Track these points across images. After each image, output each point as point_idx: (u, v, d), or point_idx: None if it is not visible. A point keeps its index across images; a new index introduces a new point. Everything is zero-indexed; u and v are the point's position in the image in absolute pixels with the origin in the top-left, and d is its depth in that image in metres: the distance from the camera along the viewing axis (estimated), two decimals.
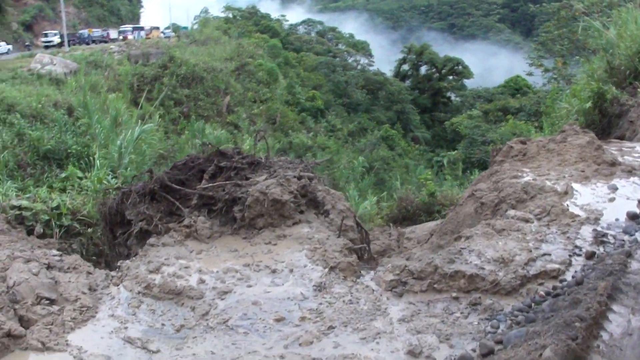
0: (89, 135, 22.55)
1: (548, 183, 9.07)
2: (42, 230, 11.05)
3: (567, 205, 8.17)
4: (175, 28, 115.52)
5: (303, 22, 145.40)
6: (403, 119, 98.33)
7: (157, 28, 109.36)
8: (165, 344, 6.09)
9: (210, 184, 9.54)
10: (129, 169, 16.69)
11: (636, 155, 10.54)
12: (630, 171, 9.39)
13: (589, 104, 14.22)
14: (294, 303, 6.70)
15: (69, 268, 7.62)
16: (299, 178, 9.60)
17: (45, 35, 78.45)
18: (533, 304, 5.98)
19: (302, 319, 6.35)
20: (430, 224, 15.62)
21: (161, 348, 6.02)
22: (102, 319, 6.63)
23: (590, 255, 6.72)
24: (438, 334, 5.85)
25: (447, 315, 6.20)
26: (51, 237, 11.07)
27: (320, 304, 6.65)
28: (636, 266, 6.02)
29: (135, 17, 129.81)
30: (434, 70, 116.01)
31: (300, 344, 5.91)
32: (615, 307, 5.30)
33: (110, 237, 10.33)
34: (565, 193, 8.62)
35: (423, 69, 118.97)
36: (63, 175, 16.46)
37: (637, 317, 5.16)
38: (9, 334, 5.94)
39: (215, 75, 61.28)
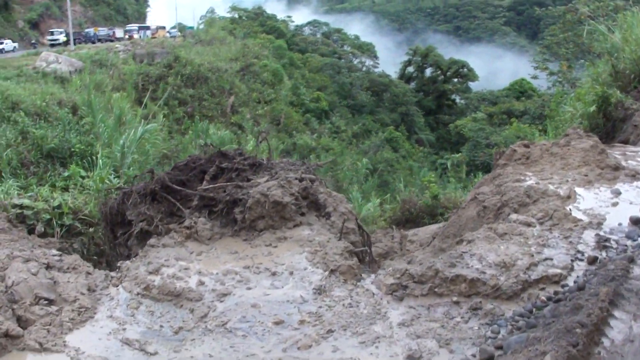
0: (92, 134, 22.52)
1: (551, 187, 9.03)
2: (43, 230, 11.05)
3: (570, 209, 8.13)
4: (181, 28, 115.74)
5: (309, 23, 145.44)
6: (407, 121, 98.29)
7: (163, 27, 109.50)
8: (163, 346, 6.06)
9: (211, 185, 9.50)
10: (131, 168, 16.68)
11: None
12: (634, 175, 9.35)
13: (593, 108, 14.17)
14: (293, 306, 6.66)
15: (68, 268, 7.59)
16: (301, 180, 9.56)
17: (51, 33, 78.52)
18: (534, 309, 5.95)
19: (301, 322, 6.31)
20: (433, 227, 15.56)
21: (159, 350, 5.99)
22: (101, 320, 6.60)
23: (592, 260, 6.68)
24: (438, 338, 5.81)
25: (448, 319, 6.16)
26: (52, 236, 11.07)
27: (320, 307, 6.61)
28: (638, 272, 5.98)
29: (141, 17, 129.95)
30: (439, 72, 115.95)
31: (298, 348, 5.87)
32: (616, 313, 5.26)
33: (110, 237, 10.30)
34: (568, 197, 8.58)
35: (428, 71, 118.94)
36: (66, 174, 16.44)
37: (638, 323, 5.12)
38: (6, 334, 5.91)
39: (220, 75, 61.28)
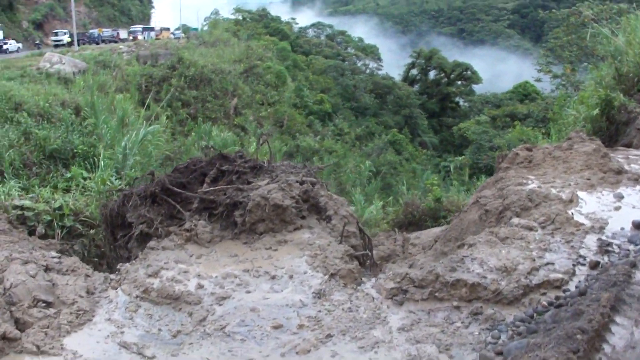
0: (95, 136, 22.50)
1: (553, 191, 8.98)
2: (43, 231, 11.01)
3: (572, 213, 8.08)
4: (185, 29, 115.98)
5: (313, 25, 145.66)
6: (411, 123, 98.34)
7: (168, 29, 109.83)
8: (161, 350, 6.02)
9: (211, 188, 9.47)
10: (133, 170, 16.65)
11: None
12: (637, 179, 9.31)
13: (596, 111, 14.12)
14: (292, 310, 6.63)
15: (67, 270, 7.57)
16: (302, 183, 9.53)
17: (55, 34, 78.64)
18: (535, 314, 5.90)
19: (300, 326, 6.27)
20: (436, 230, 15.53)
21: (157, 354, 5.96)
22: (99, 322, 6.57)
23: (594, 265, 6.63)
24: (438, 344, 5.77)
25: (448, 324, 6.12)
26: (53, 237, 11.03)
27: (319, 311, 6.57)
28: None
29: (145, 18, 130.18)
30: (442, 75, 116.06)
31: (297, 352, 5.84)
32: (618, 319, 5.22)
33: (111, 240, 10.28)
34: (571, 201, 8.53)
35: (432, 74, 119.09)
36: (68, 175, 16.42)
37: None
38: (3, 337, 5.90)
39: (224, 77, 61.26)
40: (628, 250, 6.89)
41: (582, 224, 7.70)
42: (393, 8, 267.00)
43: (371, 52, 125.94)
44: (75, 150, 20.85)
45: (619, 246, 7.05)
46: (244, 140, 38.63)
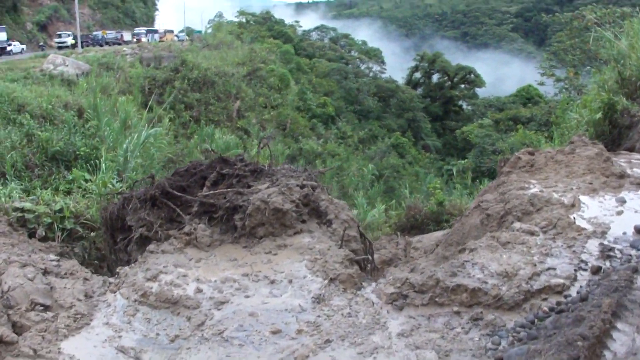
0: (97, 138, 22.51)
1: (555, 195, 8.93)
2: (44, 233, 10.99)
3: (574, 218, 8.03)
4: (189, 32, 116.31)
5: (316, 28, 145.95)
6: (414, 126, 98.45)
7: (171, 31, 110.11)
8: (158, 355, 5.99)
9: (211, 192, 9.44)
10: (135, 172, 16.63)
11: None
12: (639, 183, 9.24)
13: (599, 115, 14.07)
14: (291, 315, 6.58)
15: (65, 274, 7.54)
16: (302, 187, 9.49)
17: (59, 36, 78.80)
18: (536, 320, 5.85)
19: (299, 331, 6.23)
20: (438, 234, 15.49)
21: (154, 358, 5.93)
22: (97, 326, 6.54)
23: (596, 270, 6.58)
24: (437, 349, 5.72)
25: (448, 330, 6.07)
26: (53, 240, 11.00)
27: (318, 316, 6.52)
28: None
29: (149, 20, 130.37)
30: (446, 78, 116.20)
31: (295, 358, 5.79)
32: (619, 325, 5.18)
33: (111, 243, 10.25)
34: (572, 205, 8.48)
35: (435, 77, 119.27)
36: (70, 177, 16.41)
37: None
38: (0, 340, 5.86)
39: (227, 79, 61.27)
40: (630, 255, 6.84)
41: (584, 229, 7.65)
42: (397, 11, 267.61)
43: (374, 55, 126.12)
44: (77, 152, 20.86)
45: (620, 251, 7.00)
46: (246, 143, 38.62)
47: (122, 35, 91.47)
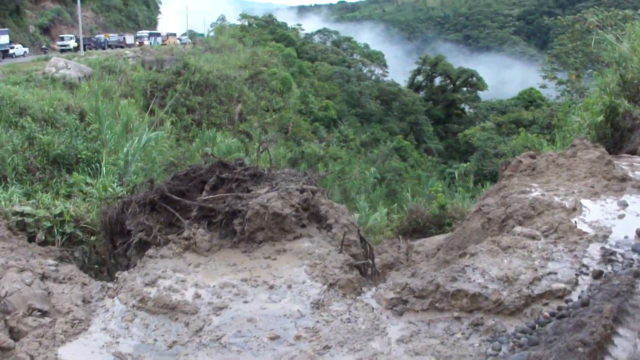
0: (99, 141, 22.52)
1: (556, 199, 8.88)
2: (43, 238, 10.95)
3: (575, 222, 7.97)
4: (192, 35, 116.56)
5: (319, 31, 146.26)
6: (416, 130, 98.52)
7: (174, 34, 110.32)
8: None
9: (210, 196, 9.39)
10: (136, 176, 16.62)
11: None
12: None
13: (601, 118, 14.03)
14: (290, 321, 6.52)
15: (64, 279, 7.50)
16: (302, 191, 9.43)
17: (62, 39, 79.00)
18: (537, 325, 5.79)
19: (298, 337, 6.17)
20: (440, 237, 15.44)
21: None
22: (94, 332, 6.49)
23: (597, 275, 6.52)
24: (437, 355, 5.66)
25: (448, 336, 6.01)
26: (53, 244, 10.97)
27: (317, 322, 6.46)
28: None
29: (152, 23, 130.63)
30: (448, 81, 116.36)
31: None
32: (621, 330, 5.12)
33: (110, 247, 10.21)
34: (574, 209, 8.43)
35: (437, 80, 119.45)
36: (71, 181, 16.40)
37: None
38: None
39: (229, 83, 61.37)
40: (632, 259, 6.79)
41: (586, 233, 7.60)
42: (399, 15, 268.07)
43: (377, 58, 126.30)
44: (79, 156, 20.90)
45: (622, 255, 6.94)
46: (248, 146, 38.63)
47: (124, 38, 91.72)
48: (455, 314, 6.32)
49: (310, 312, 6.70)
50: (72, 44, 75.79)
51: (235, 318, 6.61)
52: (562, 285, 6.36)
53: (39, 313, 6.57)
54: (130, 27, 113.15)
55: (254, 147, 33.96)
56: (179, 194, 9.53)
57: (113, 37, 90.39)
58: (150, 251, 8.48)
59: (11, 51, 67.01)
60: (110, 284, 7.71)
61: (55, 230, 11.30)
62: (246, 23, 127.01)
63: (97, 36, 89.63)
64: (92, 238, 11.79)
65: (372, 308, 6.74)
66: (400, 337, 6.06)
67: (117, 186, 14.17)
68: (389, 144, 79.09)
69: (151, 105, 36.80)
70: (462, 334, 6.01)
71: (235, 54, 78.36)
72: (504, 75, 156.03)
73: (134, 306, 6.95)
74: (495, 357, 5.43)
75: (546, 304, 6.16)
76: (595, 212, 8.40)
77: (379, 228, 20.89)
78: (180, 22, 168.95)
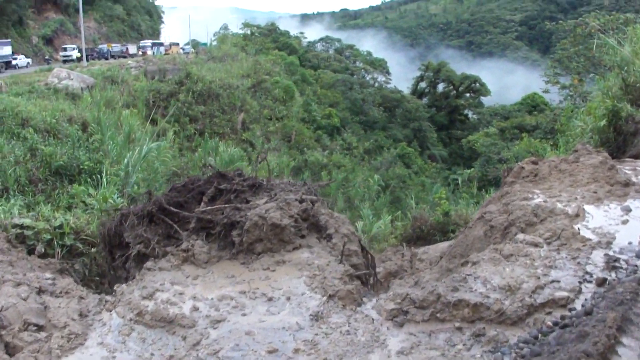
0: (101, 152, 22.49)
1: (559, 205, 8.79)
2: (43, 250, 10.86)
3: (578, 228, 7.89)
4: (195, 44, 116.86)
5: (321, 39, 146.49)
6: (420, 136, 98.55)
7: (177, 44, 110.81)
8: None
9: (208, 207, 9.30)
10: (138, 187, 16.54)
11: None
12: None
13: (603, 122, 13.95)
14: (288, 333, 6.42)
15: (61, 292, 7.42)
16: (301, 201, 9.34)
17: (64, 49, 79.24)
18: (540, 335, 5.69)
19: (296, 350, 6.06)
20: (443, 245, 15.39)
21: None
22: (91, 347, 6.40)
23: (601, 282, 6.43)
24: None
25: (449, 347, 5.91)
26: (53, 256, 10.89)
27: (316, 334, 6.36)
28: None
29: (155, 33, 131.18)
30: (451, 87, 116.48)
31: None
32: (625, 340, 5.02)
33: (109, 259, 10.13)
34: (577, 215, 8.34)
35: (440, 87, 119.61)
36: (72, 192, 16.35)
37: None
38: None
39: (232, 92, 61.39)
40: (636, 266, 6.71)
41: (589, 239, 7.51)
42: (402, 21, 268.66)
43: (380, 65, 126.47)
44: (81, 167, 20.88)
45: (626, 262, 6.86)
46: (251, 155, 38.60)
47: (127, 48, 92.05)
48: (457, 325, 6.22)
49: (309, 324, 6.60)
50: (75, 54, 76.07)
51: (233, 331, 6.51)
52: (565, 294, 6.27)
53: (35, 328, 6.50)
54: (133, 37, 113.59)
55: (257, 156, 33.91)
56: (177, 206, 9.44)
57: (116, 47, 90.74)
58: (149, 263, 8.39)
59: (14, 62, 67.27)
60: (108, 297, 7.62)
61: (55, 243, 11.21)
62: (249, 32, 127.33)
63: (99, 46, 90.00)
64: (93, 250, 11.70)
65: (372, 319, 6.64)
66: (401, 349, 5.96)
67: (117, 197, 14.10)
68: (393, 151, 79.04)
69: (152, 115, 36.80)
70: (464, 345, 5.91)
71: (237, 63, 78.48)
72: (507, 81, 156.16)
73: (131, 320, 6.86)
74: None
75: (549, 313, 6.07)
76: (599, 218, 8.32)
77: (383, 236, 20.81)
78: (183, 31, 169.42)
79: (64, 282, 7.78)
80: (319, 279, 7.56)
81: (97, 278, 11.23)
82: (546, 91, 50.59)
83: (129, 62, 71.00)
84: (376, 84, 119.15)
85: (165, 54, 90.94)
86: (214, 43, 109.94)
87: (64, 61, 72.82)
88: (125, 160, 17.20)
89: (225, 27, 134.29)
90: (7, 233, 10.64)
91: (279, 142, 58.84)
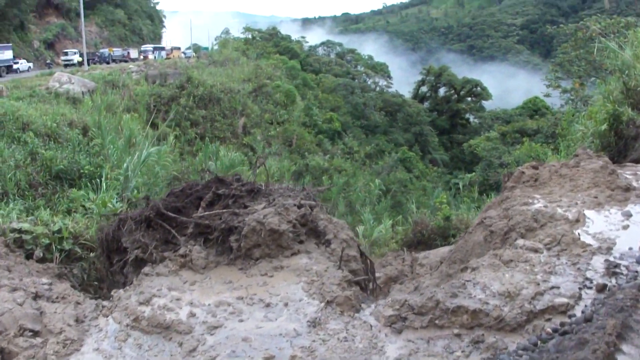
0: (102, 156, 22.47)
1: (559, 210, 8.74)
2: (41, 255, 10.82)
3: (579, 233, 7.84)
4: (196, 48, 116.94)
5: (322, 43, 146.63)
6: (421, 140, 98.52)
7: (178, 48, 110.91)
8: None
9: (206, 213, 9.24)
10: (137, 192, 16.50)
11: None
12: None
13: (604, 126, 13.91)
14: (285, 340, 6.36)
15: (57, 297, 7.38)
16: (300, 206, 9.29)
17: (66, 54, 79.32)
18: (539, 342, 5.64)
19: (293, 357, 6.00)
20: (444, 249, 15.33)
21: None
22: (87, 352, 6.35)
23: (601, 288, 6.38)
24: None
25: (448, 354, 5.86)
26: (51, 261, 10.84)
27: (314, 341, 6.31)
28: None
29: (156, 37, 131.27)
30: (452, 91, 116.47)
31: None
32: (625, 347, 4.96)
33: (107, 264, 10.08)
34: (577, 221, 8.29)
35: (442, 91, 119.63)
36: (72, 196, 16.33)
37: None
38: None
39: (233, 96, 61.39)
40: (636, 271, 6.65)
41: (589, 245, 7.47)
42: (403, 26, 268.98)
43: (381, 69, 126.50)
44: (81, 171, 20.87)
45: (627, 267, 6.81)
46: (252, 160, 38.53)
47: (128, 52, 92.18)
48: (456, 331, 6.18)
49: (306, 330, 6.55)
50: (76, 58, 76.15)
51: (230, 337, 6.46)
52: (565, 300, 6.23)
53: (31, 333, 6.45)
54: (134, 42, 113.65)
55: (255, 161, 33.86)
56: (175, 211, 9.39)
57: (117, 51, 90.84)
58: (147, 269, 8.34)
59: (15, 66, 67.25)
60: (104, 303, 7.58)
61: (54, 247, 11.17)
62: (250, 36, 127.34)
63: (101, 50, 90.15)
64: (91, 255, 11.65)
65: (371, 326, 6.59)
66: (399, 356, 5.91)
67: (117, 202, 14.06)
68: (394, 155, 78.99)
69: (152, 118, 36.78)
70: (462, 351, 5.86)
71: (239, 67, 78.48)
72: (508, 85, 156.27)
73: (127, 325, 6.81)
74: None
75: (549, 320, 6.03)
76: (599, 223, 8.26)
77: (384, 240, 20.77)
78: (185, 36, 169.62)
79: (60, 287, 7.73)
80: (317, 284, 7.51)
81: (96, 283, 11.18)
82: (547, 95, 50.57)
83: (130, 66, 71.01)
84: (377, 88, 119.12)
85: (166, 58, 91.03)
86: (215, 47, 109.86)
87: (65, 65, 72.88)
88: (125, 165, 17.15)
89: (226, 32, 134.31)
90: (5, 237, 10.61)
91: (280, 146, 58.82)
